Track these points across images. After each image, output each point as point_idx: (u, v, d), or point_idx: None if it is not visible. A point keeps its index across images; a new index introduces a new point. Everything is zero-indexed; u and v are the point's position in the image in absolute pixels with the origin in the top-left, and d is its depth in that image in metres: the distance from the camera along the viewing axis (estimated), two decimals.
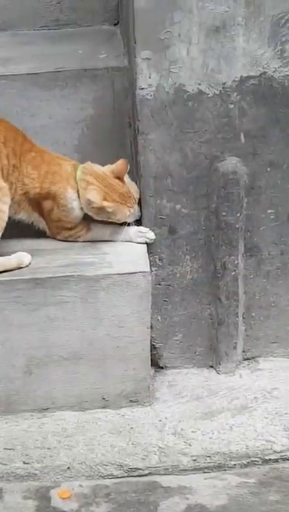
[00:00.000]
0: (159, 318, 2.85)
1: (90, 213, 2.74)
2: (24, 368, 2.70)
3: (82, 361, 2.70)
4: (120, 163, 2.75)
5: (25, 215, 2.76)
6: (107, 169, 2.76)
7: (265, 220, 2.80)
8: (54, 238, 2.78)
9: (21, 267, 2.66)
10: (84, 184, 2.72)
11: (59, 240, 2.78)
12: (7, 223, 2.67)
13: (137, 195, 2.76)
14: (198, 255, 2.81)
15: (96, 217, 2.75)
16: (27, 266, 2.66)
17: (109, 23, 3.30)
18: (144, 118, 2.66)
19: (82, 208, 2.74)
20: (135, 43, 2.60)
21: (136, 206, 2.76)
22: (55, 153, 2.80)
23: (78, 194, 2.73)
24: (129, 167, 2.77)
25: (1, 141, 2.69)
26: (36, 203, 2.74)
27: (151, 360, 2.78)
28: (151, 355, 2.76)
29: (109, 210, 2.70)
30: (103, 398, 2.74)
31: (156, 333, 2.85)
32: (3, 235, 2.66)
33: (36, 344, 2.68)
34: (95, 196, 2.68)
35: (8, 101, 2.90)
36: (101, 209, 2.71)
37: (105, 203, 2.69)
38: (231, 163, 2.72)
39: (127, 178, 2.77)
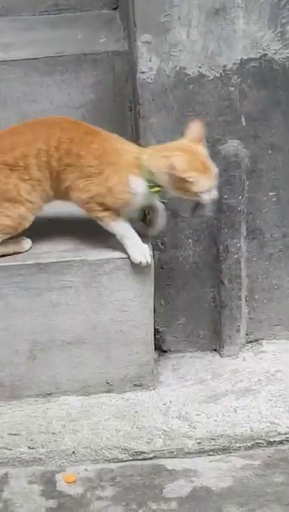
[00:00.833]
0: (162, 302, 2.85)
1: (166, 186, 2.49)
2: (28, 353, 2.70)
3: (85, 346, 2.71)
4: (195, 125, 2.52)
5: None
6: (183, 140, 2.52)
7: (267, 203, 2.80)
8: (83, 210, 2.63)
9: (20, 252, 2.66)
10: (158, 160, 2.49)
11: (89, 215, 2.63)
12: None
13: (215, 170, 2.51)
14: (201, 239, 2.81)
15: (172, 192, 2.51)
16: (26, 251, 2.66)
17: (109, 7, 3.29)
18: (144, 102, 2.65)
19: (139, 197, 2.55)
20: (135, 26, 2.59)
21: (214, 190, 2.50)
22: (117, 142, 2.60)
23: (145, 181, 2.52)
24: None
25: (54, 146, 2.56)
26: None
27: (155, 344, 2.78)
28: (154, 339, 2.76)
29: (191, 180, 2.43)
30: (107, 382, 2.75)
31: (159, 317, 2.86)
32: None
33: (40, 329, 2.68)
34: (180, 163, 2.42)
35: (9, 86, 2.90)
36: (181, 180, 2.43)
37: (188, 173, 2.43)
38: (232, 146, 2.71)
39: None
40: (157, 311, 2.83)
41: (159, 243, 2.80)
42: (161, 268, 2.82)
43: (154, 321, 2.77)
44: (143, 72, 2.63)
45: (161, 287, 2.82)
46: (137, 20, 2.58)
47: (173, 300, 2.86)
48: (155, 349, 2.79)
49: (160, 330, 2.88)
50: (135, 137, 2.82)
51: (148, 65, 2.62)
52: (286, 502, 2.43)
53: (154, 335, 2.77)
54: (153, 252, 2.70)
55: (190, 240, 2.81)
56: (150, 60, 2.61)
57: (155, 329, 2.80)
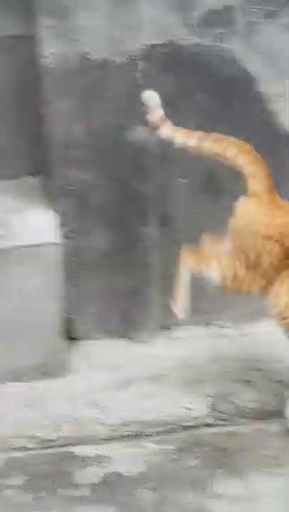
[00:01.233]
0: (72, 289, 2.83)
1: None
2: None
3: None
4: None
5: None
6: None
7: (178, 190, 2.80)
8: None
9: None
10: None
11: None
12: None
13: None
14: (111, 226, 2.80)
15: None
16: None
17: None
18: (48, 87, 2.64)
19: None
20: (37, 10, 2.57)
21: None
22: None
23: None
24: None
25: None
26: None
27: (65, 332, 2.76)
28: (65, 326, 2.74)
29: None
30: (15, 371, 2.72)
31: (69, 304, 2.83)
32: None
33: None
34: None
35: None
36: None
37: None
38: (140, 132, 2.70)
39: None
40: (68, 299, 2.80)
41: (68, 231, 2.78)
42: (72, 256, 2.80)
43: (65, 309, 2.75)
44: (46, 57, 2.61)
45: (71, 275, 2.79)
46: (39, 4, 2.56)
47: (84, 287, 2.84)
48: (66, 337, 2.78)
49: (71, 317, 2.86)
50: (39, 123, 2.80)
51: (50, 50, 2.60)
52: (199, 486, 2.43)
53: (65, 323, 2.75)
54: (63, 240, 2.68)
55: (99, 228, 2.79)
56: (53, 45, 2.59)
57: (65, 317, 2.78)
